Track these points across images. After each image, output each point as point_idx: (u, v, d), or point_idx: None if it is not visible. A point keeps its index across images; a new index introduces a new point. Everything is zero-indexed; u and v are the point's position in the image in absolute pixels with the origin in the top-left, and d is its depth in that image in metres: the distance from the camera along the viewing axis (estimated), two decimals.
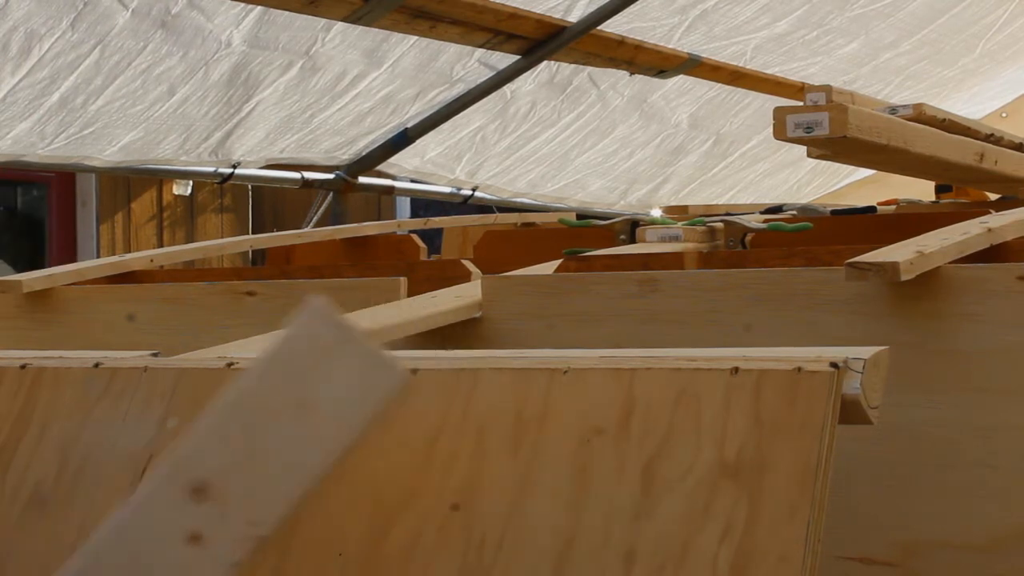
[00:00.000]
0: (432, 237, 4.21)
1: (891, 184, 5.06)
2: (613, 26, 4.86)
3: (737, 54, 5.53)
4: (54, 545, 1.33)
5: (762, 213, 3.41)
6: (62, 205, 7.77)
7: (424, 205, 8.07)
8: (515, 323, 1.99)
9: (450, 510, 1.21)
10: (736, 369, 1.19)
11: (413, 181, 5.76)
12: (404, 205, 8.57)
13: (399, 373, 1.00)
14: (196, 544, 0.93)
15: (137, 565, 0.93)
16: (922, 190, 4.12)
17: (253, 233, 7.96)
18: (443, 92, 5.05)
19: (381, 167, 5.41)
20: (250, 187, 8.04)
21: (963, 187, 3.80)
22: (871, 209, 3.31)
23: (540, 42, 4.80)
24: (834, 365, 1.17)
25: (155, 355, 1.45)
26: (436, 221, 4.08)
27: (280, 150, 5.00)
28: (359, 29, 4.45)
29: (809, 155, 2.81)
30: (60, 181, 7.69)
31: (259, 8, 4.22)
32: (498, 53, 4.85)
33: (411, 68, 4.84)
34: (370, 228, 3.42)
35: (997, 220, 2.15)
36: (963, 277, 1.74)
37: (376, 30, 4.45)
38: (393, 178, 5.77)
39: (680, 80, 5.56)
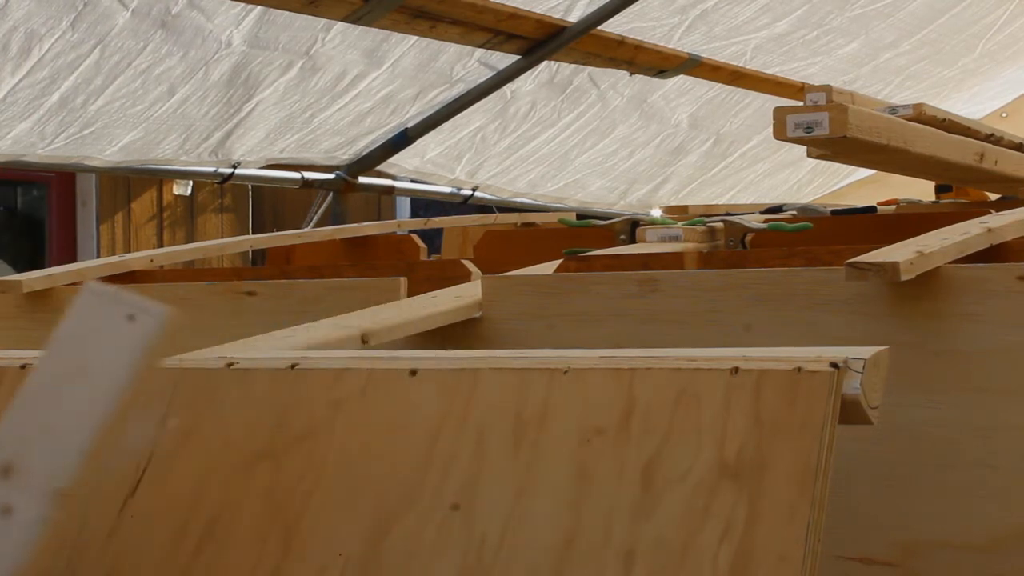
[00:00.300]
0: (432, 237, 4.21)
1: (891, 184, 5.06)
2: (613, 26, 4.86)
3: (737, 54, 5.53)
4: (54, 545, 1.33)
5: (762, 213, 3.41)
6: (62, 205, 7.77)
7: (424, 205, 8.07)
8: (515, 323, 1.99)
9: (450, 510, 1.21)
10: (736, 369, 1.19)
11: (413, 181, 5.76)
12: (404, 205, 8.57)
13: (158, 314, 1.14)
14: (6, 515, 1.08)
15: None
16: (922, 190, 4.12)
17: (253, 233, 7.96)
18: (443, 92, 5.05)
19: (381, 167, 5.41)
20: (250, 187, 8.04)
21: (963, 187, 3.80)
22: (871, 209, 3.31)
23: (540, 42, 4.80)
24: (834, 365, 1.17)
25: None
26: (436, 221, 4.08)
27: (280, 150, 5.00)
28: (359, 29, 4.45)
29: (809, 155, 2.81)
30: (60, 181, 7.69)
31: (259, 8, 4.22)
32: (498, 53, 4.85)
33: (411, 68, 4.84)
34: (370, 228, 3.42)
35: (997, 220, 2.15)
36: (963, 277, 1.74)
37: (376, 30, 4.45)
38: (393, 178, 5.77)
39: (680, 80, 5.56)
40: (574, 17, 4.77)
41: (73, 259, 7.50)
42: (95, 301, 1.16)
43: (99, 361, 1.13)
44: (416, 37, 4.61)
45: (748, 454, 1.14)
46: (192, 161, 4.80)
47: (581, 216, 3.62)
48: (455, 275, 2.37)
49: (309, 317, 1.93)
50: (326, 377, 1.34)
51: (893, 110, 2.86)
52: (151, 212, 7.98)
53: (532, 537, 1.17)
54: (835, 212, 3.18)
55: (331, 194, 5.41)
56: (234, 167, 4.94)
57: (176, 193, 7.99)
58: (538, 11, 4.64)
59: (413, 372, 1.30)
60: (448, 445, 1.24)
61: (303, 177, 5.29)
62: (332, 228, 3.48)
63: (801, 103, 2.60)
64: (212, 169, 4.91)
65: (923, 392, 1.72)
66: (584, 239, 2.90)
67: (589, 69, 5.28)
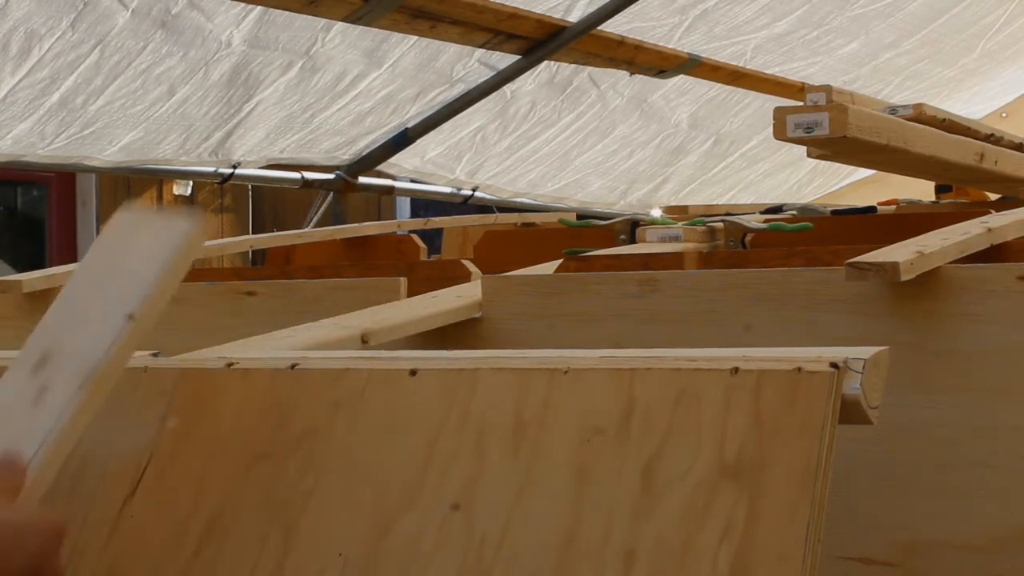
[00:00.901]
0: (432, 237, 4.21)
1: (891, 184, 5.06)
2: (613, 26, 4.86)
3: (737, 54, 5.53)
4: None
5: (762, 213, 3.41)
6: (62, 205, 7.77)
7: (424, 205, 8.07)
8: (515, 323, 1.99)
9: (450, 510, 1.21)
10: (736, 369, 1.19)
11: (413, 181, 5.76)
12: (404, 205, 8.57)
13: (185, 224, 1.26)
14: (43, 394, 1.18)
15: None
16: (922, 190, 4.12)
17: (253, 233, 7.96)
18: (443, 92, 5.05)
19: (381, 167, 5.41)
20: (250, 187, 8.04)
21: (963, 187, 3.80)
22: (871, 209, 3.31)
23: (540, 42, 4.80)
24: (834, 365, 1.17)
25: (155, 355, 1.45)
26: (436, 221, 4.08)
27: (280, 150, 5.00)
28: (359, 29, 4.45)
29: (809, 155, 2.81)
30: (60, 181, 7.69)
31: (259, 8, 4.22)
32: (498, 53, 4.85)
33: (411, 68, 4.84)
34: (370, 228, 3.42)
35: (997, 220, 2.15)
36: (963, 277, 1.74)
37: (376, 30, 4.45)
38: (393, 178, 5.77)
39: (680, 80, 5.56)
40: (574, 17, 4.77)
41: (73, 259, 7.49)
42: (128, 216, 1.29)
43: (132, 263, 1.25)
44: (416, 37, 4.61)
45: (748, 454, 1.14)
46: (192, 161, 4.80)
47: (581, 216, 3.62)
48: (455, 275, 2.37)
49: (309, 317, 1.93)
50: (326, 377, 1.34)
51: (893, 110, 2.86)
52: None
53: (532, 537, 1.17)
54: (835, 212, 3.18)
55: (331, 194, 5.41)
56: (234, 167, 4.93)
57: (176, 193, 7.98)
58: (538, 11, 4.64)
59: (413, 372, 1.30)
60: (448, 445, 1.24)
61: (303, 177, 5.29)
62: (332, 228, 3.48)
63: (801, 103, 2.60)
64: (212, 169, 4.91)
65: (923, 392, 1.72)
66: (584, 239, 2.90)
67: (589, 69, 5.28)
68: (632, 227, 2.89)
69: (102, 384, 1.19)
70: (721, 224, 2.85)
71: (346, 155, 5.28)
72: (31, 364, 1.21)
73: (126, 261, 1.25)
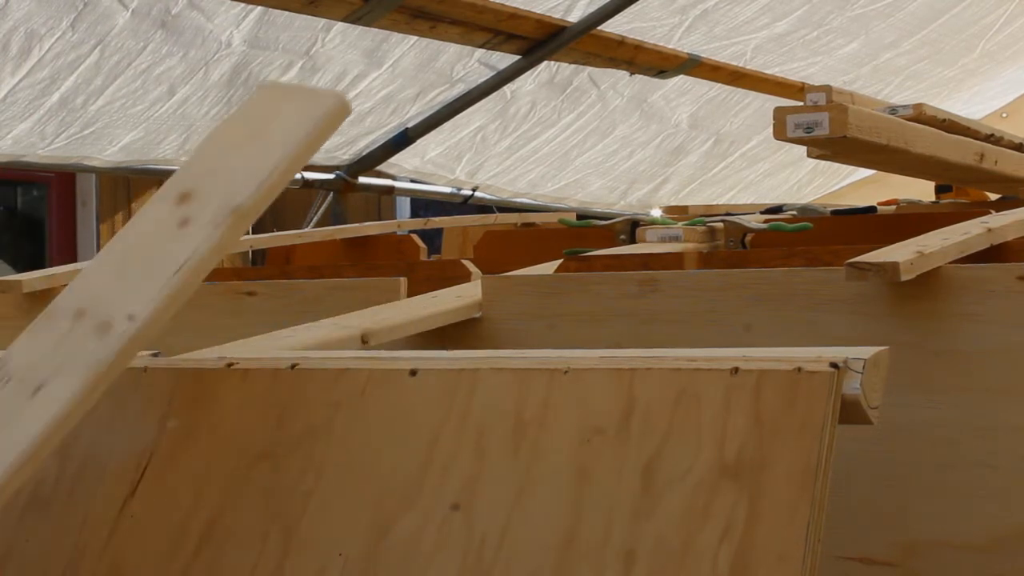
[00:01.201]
0: (432, 237, 4.21)
1: (891, 184, 5.06)
2: (613, 26, 4.86)
3: (737, 54, 5.53)
4: (54, 546, 1.33)
5: (762, 213, 3.41)
6: (62, 205, 7.77)
7: (424, 205, 8.06)
8: (515, 323, 1.99)
9: (450, 510, 1.21)
10: (736, 369, 1.19)
11: (413, 181, 5.76)
12: (404, 205, 8.57)
13: (335, 96, 1.30)
14: (184, 225, 1.23)
15: (140, 252, 1.23)
16: (922, 190, 4.12)
17: (253, 233, 7.95)
18: (443, 92, 5.05)
19: (381, 167, 5.41)
20: None
21: (963, 187, 3.80)
22: (871, 209, 3.31)
23: (540, 42, 4.80)
24: (834, 365, 1.17)
25: (155, 355, 1.45)
26: (436, 221, 4.08)
27: None
28: (359, 29, 4.45)
29: (809, 155, 2.81)
30: (60, 181, 7.69)
31: (259, 8, 4.22)
32: (498, 53, 4.85)
33: (411, 68, 4.84)
34: (370, 228, 3.42)
35: (997, 220, 2.16)
36: (963, 277, 1.74)
37: (376, 30, 4.45)
38: (393, 178, 5.77)
39: (680, 80, 5.56)
40: (574, 17, 4.77)
41: (73, 259, 7.50)
42: (273, 86, 1.42)
43: (276, 124, 1.28)
44: (416, 37, 4.60)
45: (748, 454, 1.15)
46: None
47: (581, 216, 3.62)
48: (455, 275, 2.37)
49: (309, 317, 1.93)
50: (326, 377, 1.34)
51: (893, 110, 2.86)
52: None
53: (532, 537, 1.17)
54: (835, 212, 3.18)
55: (331, 194, 5.41)
56: None
57: None
58: (538, 11, 4.64)
59: (413, 372, 1.30)
60: (448, 445, 1.24)
61: (303, 177, 5.29)
62: (332, 228, 3.48)
63: (801, 103, 2.60)
64: None
65: (923, 392, 1.72)
66: (584, 239, 2.90)
67: (589, 69, 5.28)
68: (632, 227, 2.89)
69: (247, 217, 1.25)
70: (721, 224, 2.85)
71: (346, 155, 5.28)
72: (173, 198, 1.25)
73: (271, 122, 1.28)
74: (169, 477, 1.33)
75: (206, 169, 1.28)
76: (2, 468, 1.06)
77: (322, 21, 4.36)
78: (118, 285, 1.20)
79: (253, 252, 6.92)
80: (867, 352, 1.19)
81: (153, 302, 1.19)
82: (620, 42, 4.95)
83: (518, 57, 4.89)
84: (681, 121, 6.04)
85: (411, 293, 2.15)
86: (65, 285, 2.46)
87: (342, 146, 5.19)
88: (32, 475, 1.35)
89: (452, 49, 4.79)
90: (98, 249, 7.61)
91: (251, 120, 1.31)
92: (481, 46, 4.73)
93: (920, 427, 1.71)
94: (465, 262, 2.44)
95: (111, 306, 1.18)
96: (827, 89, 2.61)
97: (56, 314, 1.19)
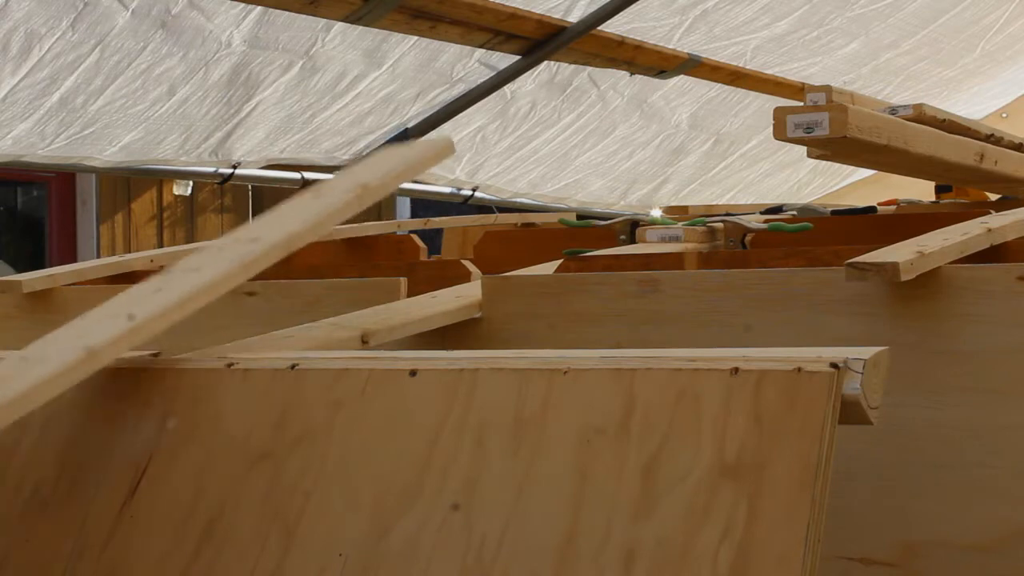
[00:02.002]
0: (432, 237, 4.21)
1: (891, 184, 5.06)
2: (613, 26, 4.86)
3: (737, 54, 5.53)
4: (54, 546, 1.33)
5: (762, 213, 3.41)
6: (62, 205, 7.77)
7: (424, 205, 8.07)
8: (515, 323, 1.99)
9: (450, 510, 1.21)
10: (736, 369, 1.19)
11: (413, 181, 5.76)
12: (404, 205, 8.58)
13: (446, 139, 1.70)
14: (317, 197, 1.59)
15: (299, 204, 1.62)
16: (922, 190, 4.12)
17: None
18: (443, 92, 5.05)
19: None
20: (250, 187, 8.04)
21: (963, 187, 3.80)
22: (871, 209, 3.31)
23: (540, 42, 4.80)
24: (834, 365, 1.17)
25: (155, 355, 1.45)
26: (436, 221, 4.08)
27: (280, 150, 4.99)
28: (359, 29, 4.45)
29: (809, 155, 2.81)
30: (60, 181, 7.69)
31: (259, 8, 4.22)
32: (498, 53, 4.85)
33: (411, 68, 4.84)
34: (370, 228, 3.41)
35: (997, 220, 2.16)
36: (963, 277, 1.74)
37: (376, 30, 4.45)
38: None
39: (680, 80, 5.56)
40: (574, 17, 4.77)
41: (73, 259, 7.50)
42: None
43: (406, 149, 1.71)
44: (416, 37, 4.60)
45: (748, 454, 1.14)
46: (192, 161, 4.79)
47: (581, 216, 3.62)
48: (455, 275, 2.37)
49: (309, 317, 1.93)
50: (326, 377, 1.34)
51: (893, 110, 2.86)
52: (151, 212, 7.98)
53: (532, 537, 1.17)
54: (835, 212, 3.18)
55: None
56: (234, 167, 4.93)
57: (176, 193, 7.98)
58: (538, 11, 4.64)
59: (413, 372, 1.30)
60: (448, 445, 1.24)
61: (303, 177, 5.29)
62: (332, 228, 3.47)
63: (801, 103, 2.60)
64: (212, 169, 4.90)
65: (923, 392, 1.72)
66: (584, 239, 2.90)
67: (589, 69, 5.27)
68: (632, 227, 2.89)
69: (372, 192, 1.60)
70: (721, 224, 2.85)
71: (346, 155, 5.28)
72: (350, 187, 1.61)
73: (401, 151, 1.71)
74: (169, 477, 1.33)
75: (361, 167, 1.67)
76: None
77: (322, 21, 4.36)
78: (276, 222, 1.63)
79: None
80: (867, 352, 1.19)
81: (293, 227, 1.61)
82: (620, 42, 4.95)
83: (518, 57, 4.89)
84: (681, 121, 6.04)
85: (411, 293, 2.15)
86: (65, 285, 2.46)
87: (342, 146, 5.19)
88: (32, 475, 1.35)
89: (452, 49, 4.79)
90: (98, 249, 7.61)
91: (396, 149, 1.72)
92: (481, 46, 4.73)
93: (920, 427, 1.71)
94: (465, 262, 2.44)
95: (262, 231, 1.62)
96: (827, 89, 2.61)
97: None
